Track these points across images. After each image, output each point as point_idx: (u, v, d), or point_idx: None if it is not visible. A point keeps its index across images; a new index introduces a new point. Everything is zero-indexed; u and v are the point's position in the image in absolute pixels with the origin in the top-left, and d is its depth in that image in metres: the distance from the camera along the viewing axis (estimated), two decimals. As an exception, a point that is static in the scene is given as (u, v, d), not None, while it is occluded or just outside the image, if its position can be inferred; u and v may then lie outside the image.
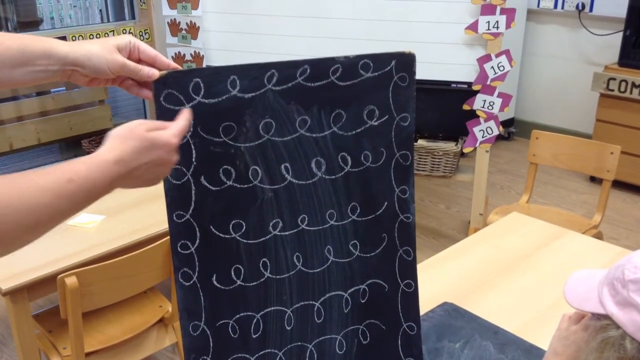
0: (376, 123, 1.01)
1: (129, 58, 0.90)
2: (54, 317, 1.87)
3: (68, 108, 3.76)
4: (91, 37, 3.52)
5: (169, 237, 0.94)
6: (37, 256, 1.78)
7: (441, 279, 1.53)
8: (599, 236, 2.44)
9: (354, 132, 1.00)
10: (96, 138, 3.70)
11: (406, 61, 1.00)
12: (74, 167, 0.73)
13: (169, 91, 0.88)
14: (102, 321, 1.95)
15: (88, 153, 3.74)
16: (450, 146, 3.08)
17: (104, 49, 0.87)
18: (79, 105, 3.81)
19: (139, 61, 0.91)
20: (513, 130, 4.81)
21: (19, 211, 0.66)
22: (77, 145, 3.79)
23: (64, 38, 3.39)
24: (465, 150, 2.99)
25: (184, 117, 0.85)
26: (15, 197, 0.66)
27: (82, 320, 1.68)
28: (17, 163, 3.69)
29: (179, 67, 0.90)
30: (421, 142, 3.12)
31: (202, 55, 3.25)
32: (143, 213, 2.07)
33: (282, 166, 0.97)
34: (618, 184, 3.75)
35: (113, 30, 3.62)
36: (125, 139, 0.77)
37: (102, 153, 0.76)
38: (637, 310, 0.69)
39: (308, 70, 0.95)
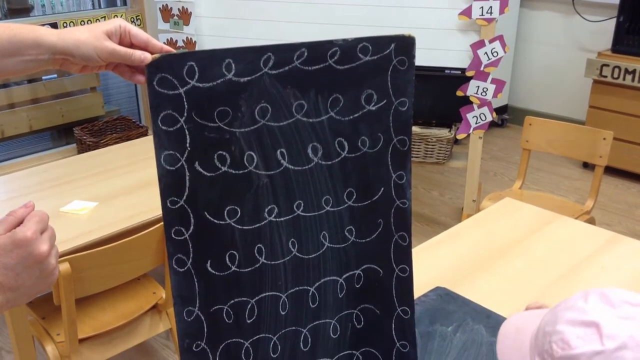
0: (374, 108, 1.00)
1: (120, 43, 0.89)
2: (47, 304, 1.87)
3: (59, 95, 3.73)
4: (82, 23, 3.48)
5: (162, 223, 0.94)
6: (30, 243, 1.78)
7: (434, 264, 1.54)
8: (591, 222, 2.45)
9: (351, 117, 1.00)
10: (88, 125, 3.68)
11: (406, 44, 0.99)
12: None
13: (162, 75, 0.87)
14: (96, 308, 1.95)
15: (80, 140, 3.70)
16: (443, 133, 3.09)
17: (92, 36, 0.86)
18: (71, 93, 3.78)
19: (131, 45, 0.90)
20: (506, 117, 4.82)
21: None
22: (69, 132, 3.77)
23: (54, 25, 3.36)
24: (459, 137, 2.99)
25: (40, 214, 0.75)
26: None
27: (76, 306, 1.68)
28: (9, 151, 3.66)
29: (172, 50, 0.89)
30: (415, 129, 3.12)
31: (195, 42, 3.23)
32: (136, 200, 2.06)
33: (278, 152, 0.96)
34: (611, 170, 3.77)
35: (104, 17, 3.59)
36: None
37: None
38: None
39: (305, 54, 0.94)
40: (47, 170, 2.31)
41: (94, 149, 2.79)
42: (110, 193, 2.11)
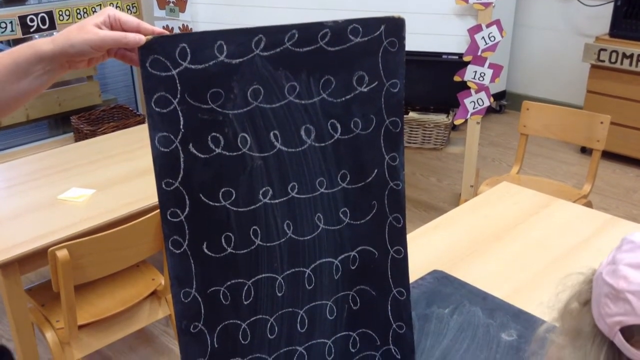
0: (366, 89, 1.01)
1: None
2: (47, 291, 1.88)
3: (56, 84, 3.71)
4: (78, 12, 3.47)
5: (159, 210, 0.94)
6: (28, 230, 1.78)
7: (431, 248, 1.54)
8: (588, 205, 2.46)
9: (343, 98, 1.00)
10: (85, 114, 3.67)
11: (395, 26, 0.99)
12: None
13: (155, 57, 0.87)
14: (95, 294, 1.96)
15: (77, 129, 3.66)
16: (441, 118, 3.08)
17: (82, 32, 0.87)
18: (67, 82, 3.77)
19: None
20: (504, 102, 4.81)
21: None
22: (66, 121, 3.76)
23: (50, 13, 3.35)
24: (457, 122, 2.99)
25: None
26: None
27: (75, 293, 1.68)
28: (6, 140, 3.66)
29: (165, 32, 0.89)
30: (412, 115, 3.11)
31: (191, 29, 3.22)
32: (133, 187, 2.06)
33: (271, 133, 0.97)
34: (608, 155, 3.77)
35: (100, 4, 3.57)
36: None
37: None
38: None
39: (296, 35, 0.94)
40: (44, 159, 2.31)
41: (91, 138, 2.79)
42: (107, 180, 2.11)
